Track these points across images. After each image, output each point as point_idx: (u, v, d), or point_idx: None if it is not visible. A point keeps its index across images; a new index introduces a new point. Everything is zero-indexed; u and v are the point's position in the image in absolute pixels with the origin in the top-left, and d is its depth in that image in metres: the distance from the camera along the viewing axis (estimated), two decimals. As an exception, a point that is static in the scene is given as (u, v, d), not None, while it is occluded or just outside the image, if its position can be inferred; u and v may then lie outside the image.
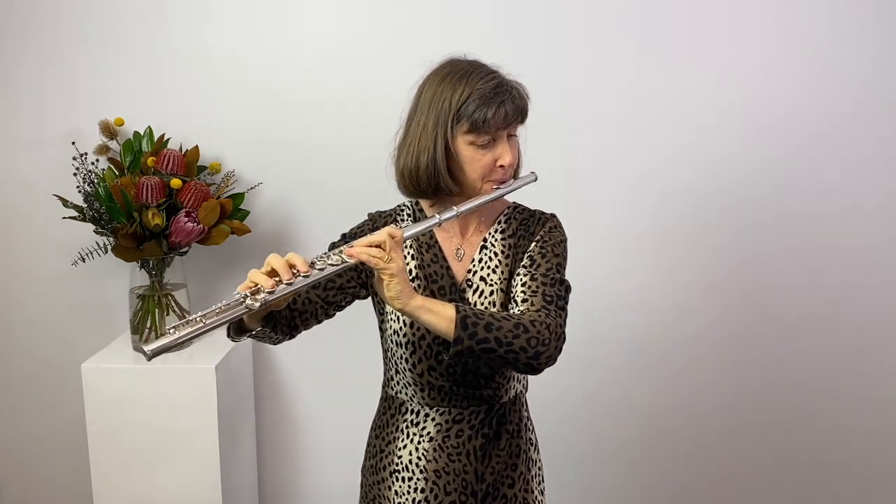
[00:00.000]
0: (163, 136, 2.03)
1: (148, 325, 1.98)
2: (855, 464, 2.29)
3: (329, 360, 2.22)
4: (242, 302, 1.14)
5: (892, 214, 2.15)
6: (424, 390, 1.38)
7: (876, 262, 2.18)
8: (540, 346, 1.19)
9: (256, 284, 1.16)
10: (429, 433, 1.39)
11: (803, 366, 2.24)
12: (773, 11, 2.05)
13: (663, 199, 2.14)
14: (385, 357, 1.45)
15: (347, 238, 1.44)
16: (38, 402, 2.24)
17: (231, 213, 1.99)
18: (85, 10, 2.03)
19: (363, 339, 2.04)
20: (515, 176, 1.37)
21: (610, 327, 2.20)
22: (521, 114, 1.31)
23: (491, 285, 1.35)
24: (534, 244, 1.35)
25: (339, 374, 2.25)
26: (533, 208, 1.43)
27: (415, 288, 1.35)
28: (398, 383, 1.42)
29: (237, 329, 1.27)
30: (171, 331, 1.10)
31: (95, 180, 1.94)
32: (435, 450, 1.38)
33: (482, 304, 1.34)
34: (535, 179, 1.40)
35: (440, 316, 1.18)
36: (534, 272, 1.30)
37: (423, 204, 1.41)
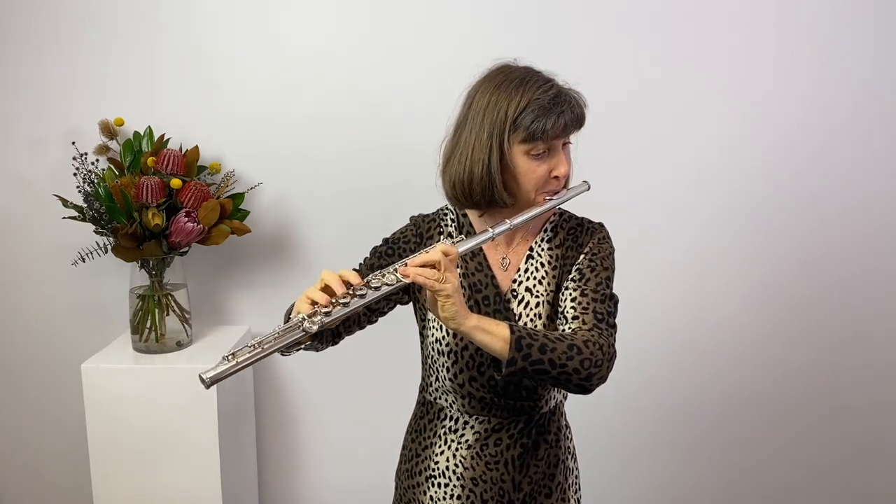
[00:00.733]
0: (163, 136, 2.03)
1: (148, 325, 1.98)
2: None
3: (329, 361, 2.21)
4: (300, 325, 1.12)
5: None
6: (465, 398, 1.36)
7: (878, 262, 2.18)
8: (592, 368, 1.18)
9: (313, 302, 1.14)
10: (467, 441, 1.37)
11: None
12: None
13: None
14: (424, 362, 1.43)
15: (389, 242, 1.41)
16: (38, 402, 2.24)
17: (231, 213, 1.99)
18: (85, 10, 2.03)
19: (364, 339, 2.04)
20: (566, 185, 1.33)
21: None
22: (579, 122, 1.27)
23: (537, 297, 1.32)
24: (583, 256, 1.32)
25: (340, 374, 2.25)
26: (580, 216, 1.39)
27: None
28: (437, 389, 1.40)
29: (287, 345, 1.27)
30: (230, 357, 1.08)
31: (95, 180, 1.93)
32: (473, 457, 1.37)
33: (527, 315, 1.32)
34: (588, 188, 1.36)
35: (495, 336, 1.16)
36: (584, 287, 1.28)
37: (471, 213, 1.38)
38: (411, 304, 1.43)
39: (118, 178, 1.92)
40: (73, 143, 1.99)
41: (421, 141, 2.00)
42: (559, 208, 1.37)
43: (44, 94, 2.07)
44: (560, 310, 1.30)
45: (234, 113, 2.08)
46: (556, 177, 1.28)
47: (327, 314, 1.13)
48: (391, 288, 1.16)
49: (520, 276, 1.34)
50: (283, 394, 2.27)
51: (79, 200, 1.95)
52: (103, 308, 2.18)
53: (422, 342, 1.42)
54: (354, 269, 1.40)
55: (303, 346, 1.25)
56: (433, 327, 1.36)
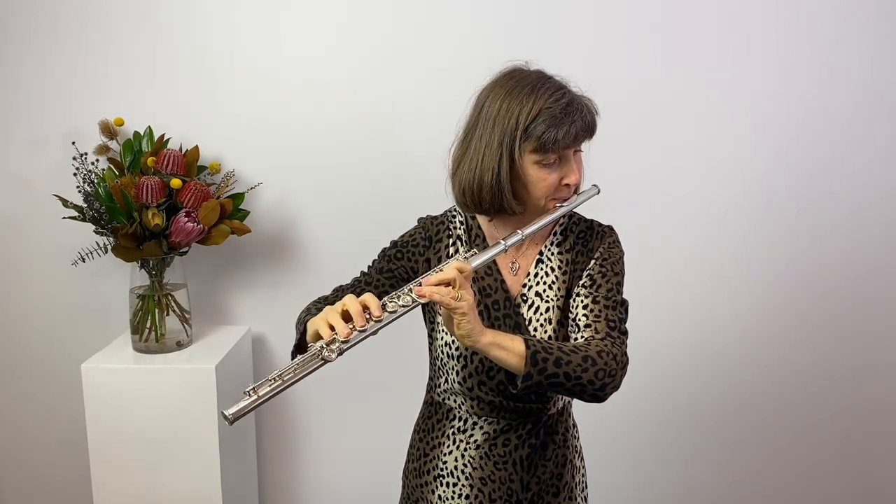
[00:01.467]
0: (163, 136, 2.03)
1: (148, 325, 1.98)
2: None
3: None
4: (320, 354, 1.13)
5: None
6: (474, 401, 1.36)
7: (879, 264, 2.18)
8: (606, 378, 1.18)
9: (333, 329, 1.14)
10: (476, 441, 1.37)
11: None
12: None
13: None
14: (433, 364, 1.43)
15: (398, 245, 1.41)
16: (38, 402, 2.24)
17: (231, 213, 1.99)
18: (85, 10, 2.03)
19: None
20: (577, 190, 1.32)
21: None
22: (590, 130, 1.26)
23: (547, 301, 1.32)
24: (593, 262, 1.31)
25: (340, 373, 2.24)
26: (589, 218, 1.39)
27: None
28: (446, 391, 1.40)
29: (299, 350, 1.27)
30: (251, 392, 1.09)
31: (95, 180, 1.93)
32: (481, 457, 1.37)
33: (537, 320, 1.32)
34: (598, 192, 1.35)
35: (511, 352, 1.16)
36: (595, 294, 1.27)
37: (480, 217, 1.38)
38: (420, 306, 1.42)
39: (118, 178, 1.92)
40: (73, 143, 1.99)
41: (421, 141, 2.01)
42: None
43: (44, 94, 2.07)
44: (572, 317, 1.29)
45: (234, 113, 2.08)
46: (566, 185, 1.27)
47: (345, 342, 1.13)
48: (408, 309, 1.16)
49: (529, 280, 1.34)
50: (284, 393, 2.27)
51: (79, 200, 1.95)
52: (103, 308, 2.18)
53: (430, 344, 1.42)
54: (363, 272, 1.41)
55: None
56: (442, 331, 1.36)
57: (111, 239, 1.93)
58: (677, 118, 2.09)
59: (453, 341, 1.34)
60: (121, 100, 2.06)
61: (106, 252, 1.98)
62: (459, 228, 1.39)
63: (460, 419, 1.39)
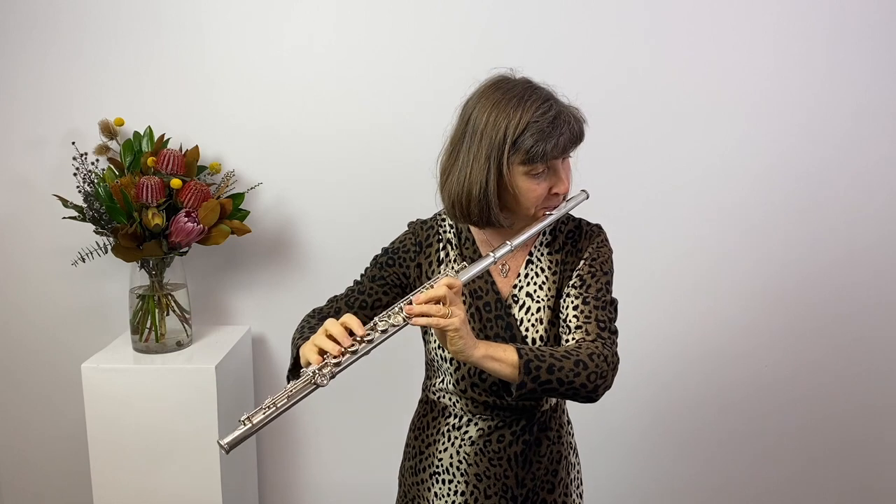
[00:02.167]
0: (163, 136, 2.03)
1: (148, 325, 1.98)
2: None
3: (329, 360, 2.22)
4: (312, 380, 1.14)
5: None
6: (468, 401, 1.38)
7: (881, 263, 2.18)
8: (598, 380, 1.20)
9: (322, 351, 1.15)
10: (470, 437, 1.38)
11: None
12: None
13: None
14: (429, 364, 1.44)
15: (390, 252, 1.41)
16: (38, 402, 2.24)
17: (231, 213, 1.99)
18: (85, 11, 2.03)
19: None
20: (566, 197, 1.33)
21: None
22: (577, 140, 1.27)
23: (538, 302, 1.33)
24: (582, 262, 1.32)
25: (340, 374, 2.24)
26: (578, 217, 1.39)
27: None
28: (440, 390, 1.41)
29: (295, 372, 1.28)
30: (245, 422, 1.12)
31: (95, 180, 1.93)
32: (476, 454, 1.38)
33: (528, 320, 1.33)
34: (587, 198, 1.36)
35: (504, 363, 1.17)
36: (585, 294, 1.28)
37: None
38: None
39: (118, 178, 1.92)
40: (73, 143, 1.99)
41: (420, 141, 2.01)
42: None
43: (44, 94, 2.07)
44: (563, 318, 1.30)
45: (234, 113, 2.08)
46: (556, 193, 1.28)
47: (337, 364, 1.14)
48: (399, 328, 1.17)
49: (520, 281, 1.34)
50: (283, 394, 2.27)
51: (79, 200, 1.95)
52: (103, 308, 2.18)
53: (425, 346, 1.42)
54: (356, 280, 1.42)
55: None
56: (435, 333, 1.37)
57: (111, 239, 1.93)
58: (675, 121, 2.09)
59: None
60: (121, 100, 2.06)
61: (106, 252, 1.98)
62: (449, 232, 1.39)
63: (455, 416, 1.40)
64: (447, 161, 1.30)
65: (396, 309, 1.19)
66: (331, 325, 1.17)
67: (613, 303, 1.31)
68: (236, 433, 1.11)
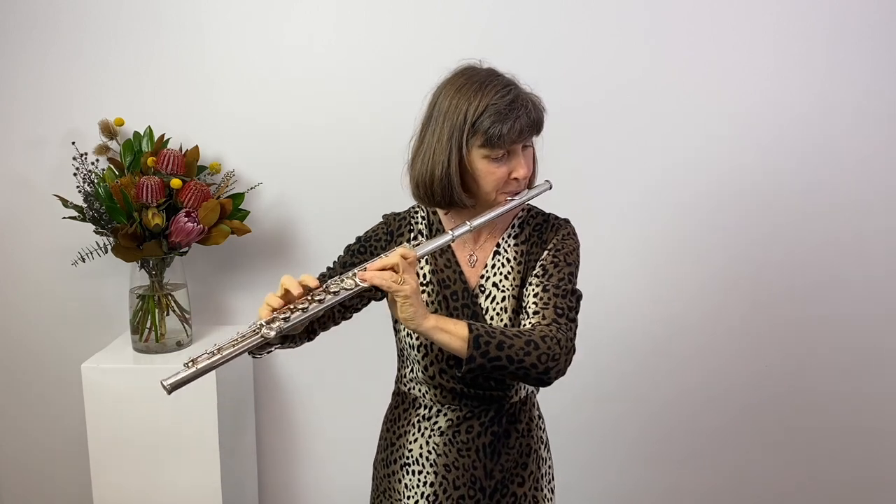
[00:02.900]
0: (163, 136, 2.03)
1: (148, 325, 1.98)
2: (880, 468, 2.30)
3: (329, 360, 2.22)
4: (258, 332, 1.16)
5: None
6: (437, 389, 1.39)
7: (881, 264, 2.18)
8: (550, 362, 1.21)
9: (273, 308, 1.19)
10: (440, 427, 1.40)
11: (818, 368, 2.24)
12: (774, 15, 2.05)
13: (672, 203, 2.14)
14: (399, 356, 1.46)
15: (362, 241, 1.45)
16: (38, 402, 2.24)
17: (231, 213, 1.99)
18: (85, 11, 2.03)
19: (364, 338, 2.05)
20: (531, 184, 1.37)
21: (619, 329, 2.21)
22: (536, 127, 1.30)
23: (503, 291, 1.35)
24: (546, 252, 1.35)
25: (340, 373, 2.25)
26: (547, 212, 1.42)
27: (428, 293, 1.37)
28: (411, 380, 1.43)
29: (258, 348, 1.29)
30: (190, 364, 1.13)
31: (95, 180, 1.94)
32: (445, 444, 1.39)
33: (494, 309, 1.35)
34: (550, 188, 1.39)
35: (453, 335, 1.20)
36: (546, 283, 1.30)
37: (440, 211, 1.42)
38: (385, 299, 1.44)
39: (118, 178, 1.92)
40: (73, 143, 1.99)
41: (421, 141, 2.00)
42: (528, 204, 1.41)
43: (44, 94, 2.07)
44: (524, 305, 1.33)
45: (234, 113, 2.09)
46: (515, 178, 1.31)
47: (286, 320, 1.17)
48: (350, 292, 1.21)
49: (487, 271, 1.37)
50: (283, 393, 2.27)
51: (79, 200, 1.95)
52: (103, 308, 2.18)
53: (396, 336, 1.45)
54: (329, 267, 1.45)
55: (276, 347, 1.29)
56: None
57: (111, 239, 1.94)
58: (670, 119, 2.09)
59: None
60: (121, 100, 2.06)
61: (106, 252, 1.99)
62: (421, 223, 1.43)
63: (425, 407, 1.42)
64: (415, 145, 1.35)
65: (350, 274, 1.22)
66: (287, 280, 1.22)
67: (576, 293, 1.32)
68: (180, 375, 1.12)
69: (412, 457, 1.42)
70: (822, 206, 2.14)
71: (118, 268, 2.11)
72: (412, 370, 1.42)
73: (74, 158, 1.93)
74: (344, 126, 2.10)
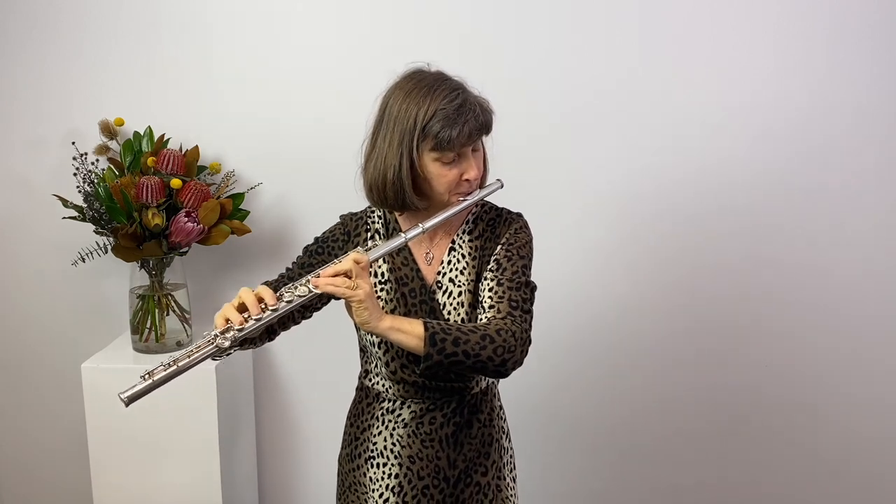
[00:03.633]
0: (163, 136, 2.03)
1: (148, 325, 1.98)
2: (852, 465, 2.29)
3: (329, 360, 2.22)
4: (213, 342, 1.20)
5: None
6: (399, 384, 1.41)
7: (878, 267, 2.18)
8: (506, 355, 1.24)
9: (228, 320, 1.22)
10: (403, 419, 1.42)
11: (795, 369, 2.23)
12: (774, 14, 2.05)
13: (647, 201, 2.14)
14: (361, 352, 1.49)
15: (320, 241, 1.47)
16: (38, 402, 2.24)
17: (231, 213, 1.99)
18: (85, 11, 2.03)
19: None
20: (482, 184, 1.39)
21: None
22: (484, 129, 1.32)
23: (459, 286, 1.37)
24: (499, 247, 1.37)
25: (340, 373, 2.23)
26: (500, 206, 1.45)
27: (387, 291, 1.39)
28: (376, 376, 1.45)
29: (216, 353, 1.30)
30: (146, 377, 1.18)
31: (95, 180, 1.94)
32: (409, 436, 1.41)
33: (451, 304, 1.37)
34: (501, 186, 1.41)
35: (409, 335, 1.23)
36: (500, 276, 1.33)
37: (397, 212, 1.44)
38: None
39: (118, 178, 1.92)
40: (73, 143, 1.99)
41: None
42: (483, 200, 1.42)
43: (44, 94, 2.07)
44: (479, 300, 1.35)
45: (234, 113, 2.09)
46: (466, 180, 1.33)
47: (240, 330, 1.20)
48: (304, 299, 1.24)
49: (443, 268, 1.39)
50: (283, 393, 2.27)
51: (79, 200, 1.95)
52: (103, 308, 2.19)
53: (357, 332, 1.46)
54: (288, 268, 1.47)
55: (235, 349, 1.30)
56: None
57: (111, 239, 1.94)
58: (670, 118, 2.09)
59: None
60: (121, 100, 2.06)
61: (106, 252, 1.99)
62: (378, 223, 1.44)
63: (389, 401, 1.44)
64: (367, 149, 1.37)
65: (304, 281, 1.25)
66: (245, 293, 1.24)
67: (530, 285, 1.35)
68: (137, 388, 1.16)
69: (377, 450, 1.44)
70: (821, 206, 2.14)
71: (118, 268, 2.11)
72: (375, 366, 1.44)
73: (74, 158, 1.93)
74: (344, 126, 2.09)
